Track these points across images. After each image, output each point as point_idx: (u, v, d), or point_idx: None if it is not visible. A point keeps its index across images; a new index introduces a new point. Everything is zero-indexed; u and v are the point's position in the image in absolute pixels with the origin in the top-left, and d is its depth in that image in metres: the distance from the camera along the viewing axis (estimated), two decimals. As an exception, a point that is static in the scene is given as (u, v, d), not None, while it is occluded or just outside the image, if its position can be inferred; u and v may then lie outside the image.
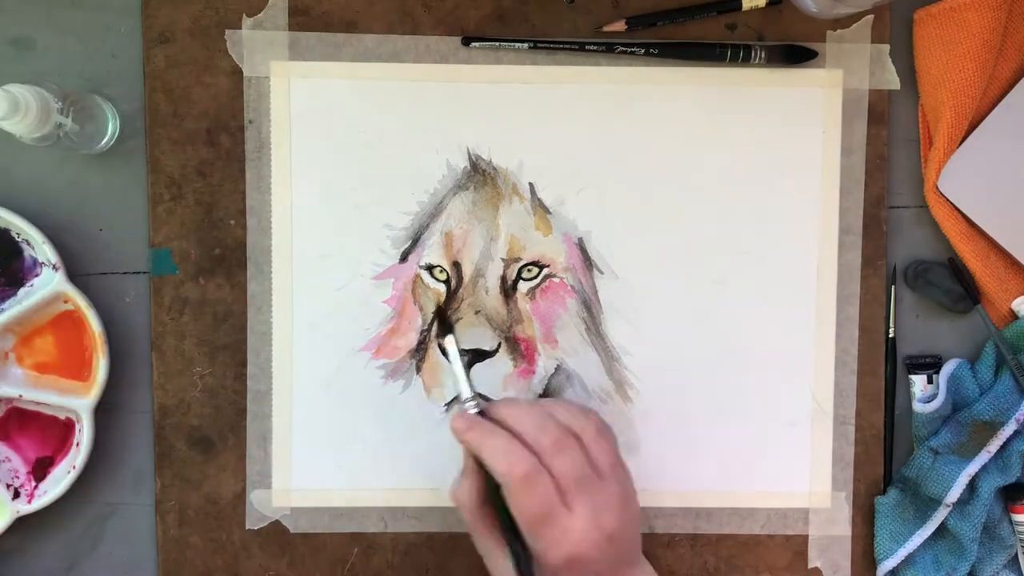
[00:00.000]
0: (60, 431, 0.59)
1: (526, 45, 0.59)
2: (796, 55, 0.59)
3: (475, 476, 0.50)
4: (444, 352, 0.54)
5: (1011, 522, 0.61)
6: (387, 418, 0.60)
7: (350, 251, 0.60)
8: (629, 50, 0.59)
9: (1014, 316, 0.61)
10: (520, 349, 0.60)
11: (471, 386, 0.52)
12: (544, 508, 0.47)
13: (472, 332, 0.60)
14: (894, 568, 0.60)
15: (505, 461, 0.48)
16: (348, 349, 0.60)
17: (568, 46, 0.59)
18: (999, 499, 0.61)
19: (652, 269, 0.60)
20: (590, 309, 0.60)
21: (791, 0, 0.59)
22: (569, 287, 0.60)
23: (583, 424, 0.50)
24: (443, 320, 0.56)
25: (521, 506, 0.47)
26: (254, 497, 0.60)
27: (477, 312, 0.60)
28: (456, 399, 0.55)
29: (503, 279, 0.60)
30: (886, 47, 0.60)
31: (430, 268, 0.60)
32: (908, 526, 0.60)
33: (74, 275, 0.58)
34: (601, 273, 0.60)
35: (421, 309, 0.60)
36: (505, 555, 0.50)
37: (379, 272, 0.60)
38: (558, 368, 0.60)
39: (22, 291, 0.58)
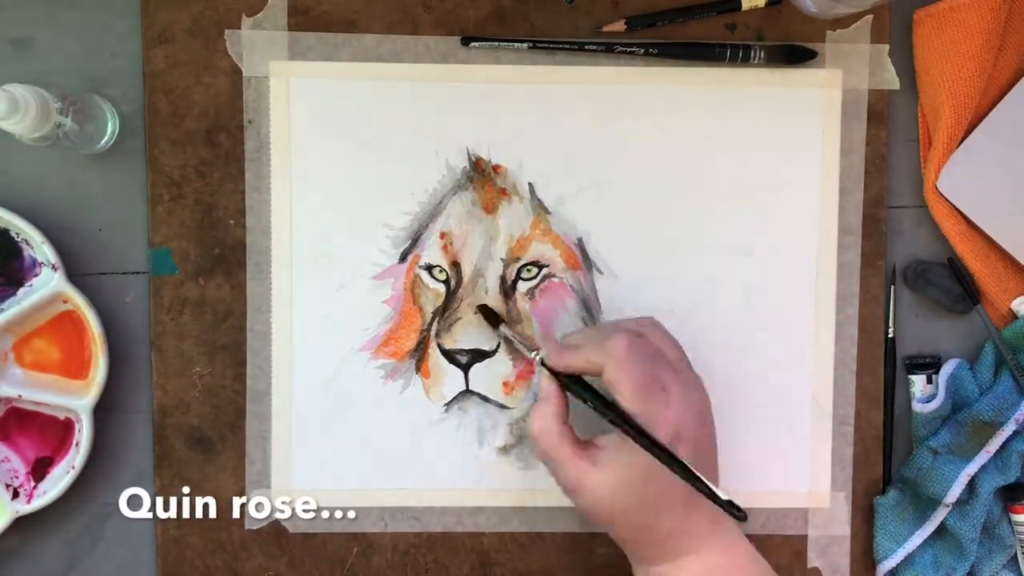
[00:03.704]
0: (59, 431, 0.59)
1: (525, 45, 0.59)
2: (795, 55, 0.59)
3: (554, 399, 0.52)
4: (506, 338, 0.58)
5: (1010, 522, 0.61)
6: (386, 418, 0.60)
7: (349, 251, 0.60)
8: (629, 50, 0.59)
9: (1013, 316, 0.61)
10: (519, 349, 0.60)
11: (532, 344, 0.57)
12: (648, 373, 0.49)
13: (471, 332, 0.60)
14: (893, 568, 0.60)
15: (605, 344, 0.50)
16: (347, 349, 0.60)
17: (568, 46, 0.59)
18: (998, 499, 0.61)
19: (652, 269, 0.60)
20: (589, 309, 0.60)
21: (791, 0, 0.59)
22: (568, 287, 0.60)
23: (644, 325, 0.53)
24: (490, 315, 0.59)
25: (628, 375, 0.49)
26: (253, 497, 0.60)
27: (476, 312, 0.59)
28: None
29: (502, 279, 0.60)
30: (885, 47, 0.60)
31: (429, 268, 0.60)
32: (907, 526, 0.60)
33: (73, 275, 0.58)
34: (600, 273, 0.60)
35: (420, 309, 0.60)
36: (593, 462, 0.50)
37: (378, 272, 0.60)
38: (557, 368, 0.60)
39: (21, 291, 0.58)
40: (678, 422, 0.49)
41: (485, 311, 0.59)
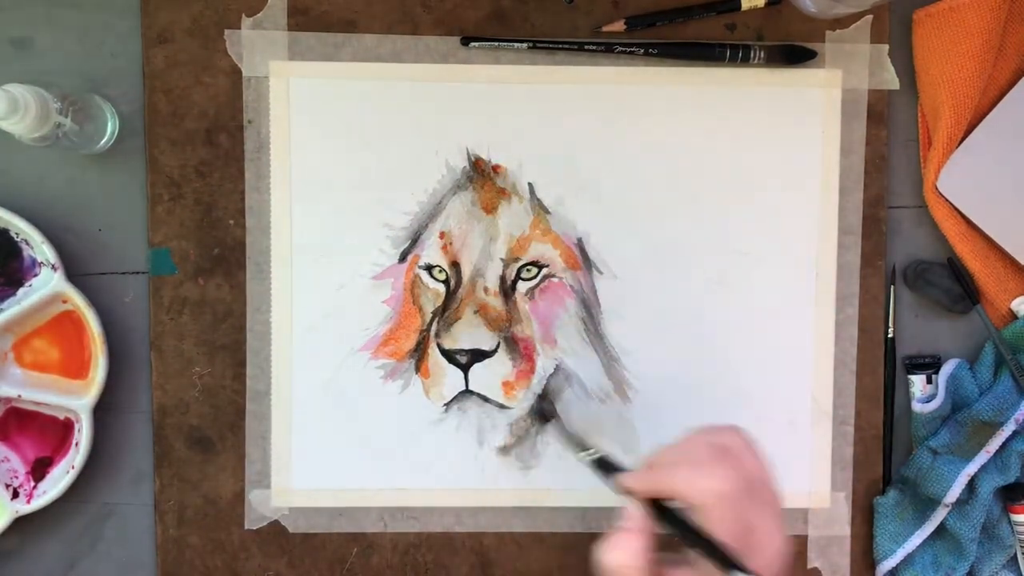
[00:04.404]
0: (59, 431, 0.59)
1: (525, 45, 0.59)
2: (795, 55, 0.59)
3: (642, 530, 0.47)
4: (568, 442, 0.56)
5: (1010, 522, 0.61)
6: (386, 418, 0.60)
7: (349, 251, 0.60)
8: (628, 50, 0.59)
9: (1013, 316, 0.61)
10: (519, 349, 0.60)
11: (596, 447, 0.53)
12: (742, 522, 0.45)
13: (471, 332, 0.60)
14: (893, 568, 0.60)
15: (704, 479, 0.45)
16: (347, 349, 0.60)
17: (567, 46, 0.59)
18: (998, 499, 0.61)
19: (651, 269, 0.60)
20: (589, 309, 0.60)
21: (790, 0, 0.59)
22: (568, 287, 0.60)
23: (732, 438, 0.48)
24: (543, 409, 0.58)
25: (727, 522, 0.45)
26: (253, 497, 0.60)
27: (476, 312, 0.60)
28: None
29: (502, 279, 0.60)
30: (885, 47, 0.60)
31: (429, 268, 0.60)
32: (907, 526, 0.60)
33: (73, 275, 0.58)
34: (600, 273, 0.60)
35: (420, 309, 0.60)
36: None
37: (378, 272, 0.60)
38: (557, 368, 0.60)
39: (21, 291, 0.58)
40: (774, 560, 0.46)
41: (542, 411, 0.58)
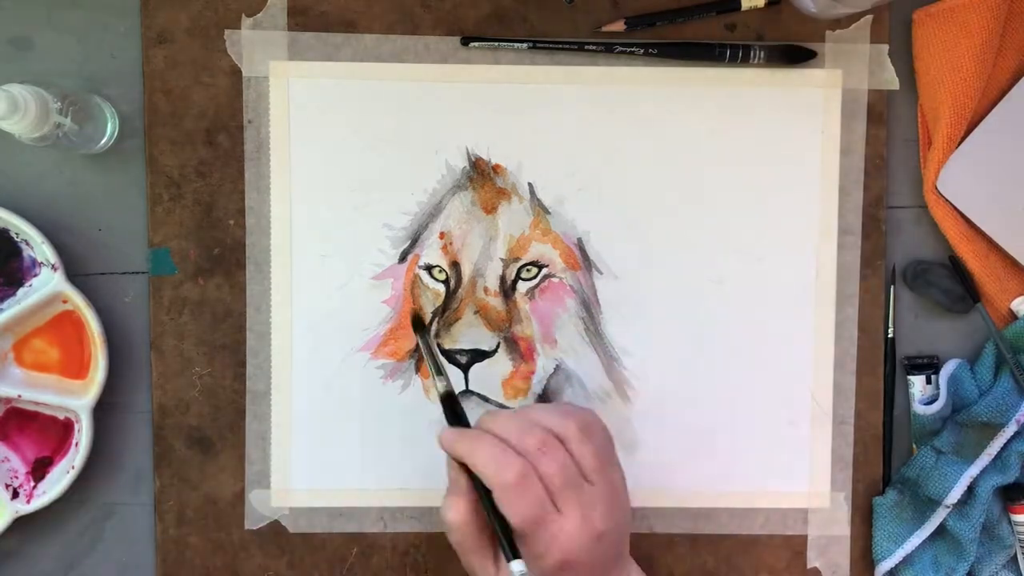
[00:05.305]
0: (59, 431, 0.59)
1: (525, 45, 0.59)
2: (795, 55, 0.59)
3: (465, 491, 0.50)
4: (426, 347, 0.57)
5: (1010, 522, 0.61)
6: (386, 418, 0.60)
7: (349, 251, 0.60)
8: (628, 50, 0.59)
9: (1013, 316, 0.61)
10: (519, 349, 0.60)
11: (447, 378, 0.54)
12: (535, 512, 0.47)
13: (471, 332, 0.60)
14: (893, 568, 0.60)
15: (495, 465, 0.48)
16: (347, 349, 0.60)
17: (567, 46, 0.59)
18: (998, 499, 0.61)
19: (651, 269, 0.60)
20: (589, 309, 0.60)
21: (790, 0, 0.59)
22: (568, 287, 0.60)
23: (564, 427, 0.50)
24: (417, 323, 0.58)
25: (513, 511, 0.47)
26: (253, 497, 0.60)
27: (476, 312, 0.60)
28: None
29: (502, 279, 0.60)
30: (885, 47, 0.60)
31: (429, 268, 0.60)
32: (906, 527, 0.60)
33: (73, 275, 0.58)
34: (600, 273, 0.60)
35: (420, 309, 0.60)
36: (497, 568, 0.49)
37: (378, 272, 0.60)
38: (557, 368, 0.60)
39: (21, 291, 0.58)
40: (567, 553, 0.48)
41: (415, 318, 0.59)
